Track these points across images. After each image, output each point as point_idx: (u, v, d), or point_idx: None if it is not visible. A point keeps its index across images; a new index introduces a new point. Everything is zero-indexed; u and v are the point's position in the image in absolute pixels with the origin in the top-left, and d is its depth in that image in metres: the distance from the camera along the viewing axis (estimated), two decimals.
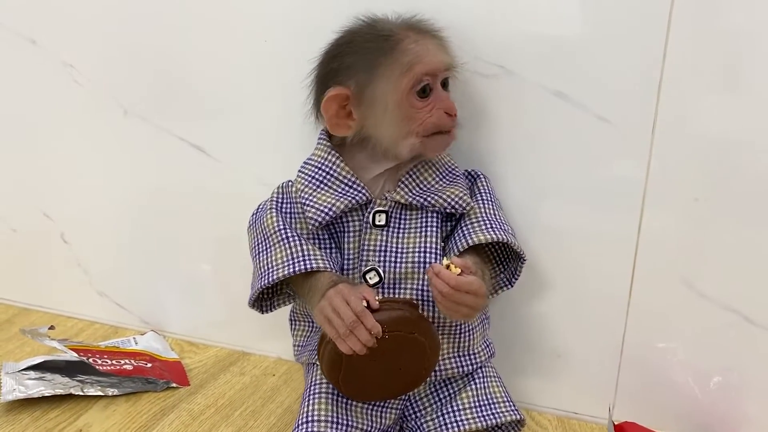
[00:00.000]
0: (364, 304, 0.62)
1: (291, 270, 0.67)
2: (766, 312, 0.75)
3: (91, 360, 0.85)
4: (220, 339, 1.01)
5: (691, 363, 0.79)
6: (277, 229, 0.71)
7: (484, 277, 0.70)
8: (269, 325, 0.92)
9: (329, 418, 0.69)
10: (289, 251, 0.69)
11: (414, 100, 0.68)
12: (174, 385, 0.88)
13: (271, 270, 0.69)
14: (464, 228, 0.72)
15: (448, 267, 0.63)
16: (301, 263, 0.68)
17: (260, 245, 0.72)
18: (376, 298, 0.63)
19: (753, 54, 0.69)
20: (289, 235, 0.70)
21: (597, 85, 0.74)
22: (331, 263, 0.69)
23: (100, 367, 0.85)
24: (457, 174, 0.75)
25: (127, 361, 0.89)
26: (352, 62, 0.68)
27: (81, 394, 0.84)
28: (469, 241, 0.71)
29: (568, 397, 0.85)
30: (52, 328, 0.85)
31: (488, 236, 0.71)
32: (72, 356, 0.85)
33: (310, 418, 0.68)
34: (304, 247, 0.69)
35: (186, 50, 0.90)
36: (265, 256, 0.70)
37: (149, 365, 0.90)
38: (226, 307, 0.99)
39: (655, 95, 0.73)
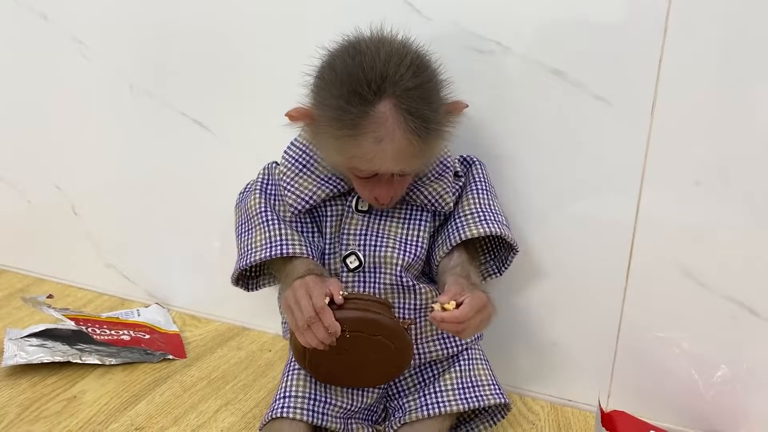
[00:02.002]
0: (327, 300, 0.60)
1: (268, 254, 0.67)
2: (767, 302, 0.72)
3: (89, 329, 0.87)
4: (221, 314, 1.02)
5: (689, 354, 0.76)
6: (259, 211, 0.71)
7: (474, 281, 0.68)
8: (270, 302, 0.92)
9: (306, 395, 0.69)
10: (268, 235, 0.69)
11: (353, 175, 0.66)
12: (170, 357, 0.90)
13: (250, 252, 0.69)
14: (458, 220, 0.71)
15: (444, 309, 0.61)
16: (278, 248, 0.67)
17: (243, 226, 0.72)
18: (344, 293, 0.61)
19: (756, 34, 0.65)
20: (269, 218, 0.70)
21: (595, 64, 0.72)
22: (310, 249, 0.69)
23: (98, 337, 0.87)
24: (447, 165, 0.72)
25: (125, 331, 0.91)
26: (320, 102, 0.63)
27: (79, 362, 0.86)
28: (463, 236, 0.70)
29: (562, 384, 0.83)
30: (50, 296, 0.87)
31: (482, 230, 0.70)
32: (69, 325, 0.87)
33: (288, 394, 0.69)
34: (283, 231, 0.69)
35: (190, 27, 0.90)
36: (246, 238, 0.71)
37: (147, 337, 0.92)
38: (230, 282, 1.00)
39: (655, 74, 0.69)
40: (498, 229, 0.70)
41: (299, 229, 0.71)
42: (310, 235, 0.71)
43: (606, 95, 0.72)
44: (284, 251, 0.67)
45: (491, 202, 0.73)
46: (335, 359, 0.63)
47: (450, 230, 0.71)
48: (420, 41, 0.65)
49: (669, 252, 0.74)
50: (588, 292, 0.79)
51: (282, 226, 0.69)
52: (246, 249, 0.70)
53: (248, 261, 0.69)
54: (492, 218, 0.71)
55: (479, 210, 0.72)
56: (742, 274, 0.72)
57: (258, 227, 0.70)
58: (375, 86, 0.58)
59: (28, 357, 0.84)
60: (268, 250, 0.68)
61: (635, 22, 0.69)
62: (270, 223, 0.70)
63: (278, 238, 0.68)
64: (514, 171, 0.78)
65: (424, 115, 0.60)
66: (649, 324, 0.77)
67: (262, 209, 0.71)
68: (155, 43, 0.93)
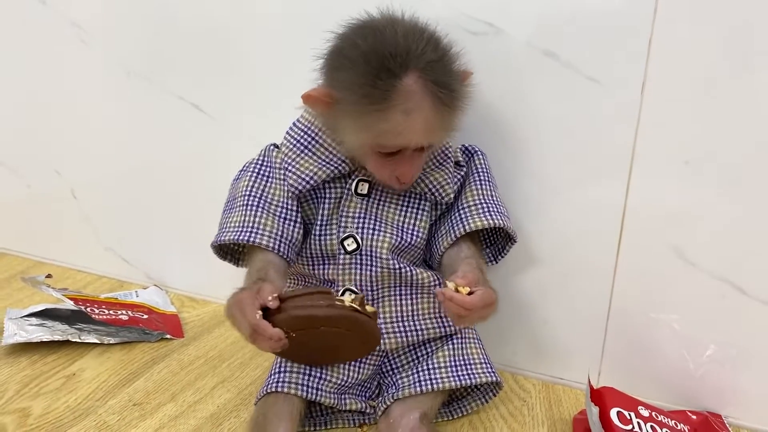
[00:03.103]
0: (259, 314, 0.59)
1: (235, 237, 0.69)
2: (758, 282, 0.73)
3: (88, 309, 0.89)
4: (219, 295, 1.03)
5: (679, 333, 0.77)
6: (244, 193, 0.72)
7: (486, 278, 0.69)
8: None
9: (301, 370, 0.70)
10: (243, 218, 0.70)
11: (375, 154, 0.65)
12: (168, 336, 0.91)
13: (224, 231, 0.71)
14: (462, 211, 0.73)
15: (456, 290, 0.62)
16: (246, 234, 0.69)
17: (228, 204, 0.74)
18: (279, 294, 0.61)
19: (746, 14, 0.66)
20: (250, 202, 0.71)
21: (587, 45, 0.73)
22: (279, 241, 0.69)
23: (97, 317, 0.88)
24: (448, 155, 0.73)
25: (123, 312, 0.92)
26: (343, 81, 0.63)
27: (78, 341, 0.87)
28: (467, 227, 0.71)
29: (553, 362, 0.85)
30: (49, 276, 0.89)
31: (486, 222, 0.71)
32: (69, 305, 0.88)
33: (282, 369, 0.70)
34: (257, 219, 0.70)
35: (189, 11, 0.91)
36: (226, 216, 0.72)
37: (145, 317, 0.93)
38: (228, 264, 1.01)
39: (645, 54, 0.70)
40: (501, 221, 0.71)
41: (283, 214, 0.71)
42: (291, 223, 0.71)
43: (597, 76, 0.73)
44: (250, 239, 0.68)
45: (493, 193, 0.74)
46: (300, 351, 0.63)
47: (454, 221, 0.73)
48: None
49: (659, 231, 0.75)
50: (579, 272, 0.80)
51: (259, 212, 0.70)
52: (222, 227, 0.72)
53: (219, 239, 0.71)
54: (495, 210, 0.72)
55: (483, 201, 0.73)
56: (731, 254, 0.73)
57: (237, 209, 0.71)
58: (400, 59, 0.59)
59: (28, 336, 0.86)
60: (238, 233, 0.69)
61: (625, 2, 0.70)
62: (249, 207, 0.70)
63: (251, 224, 0.69)
64: (504, 152, 0.79)
65: (449, 85, 0.61)
66: (639, 303, 0.78)
67: (247, 192, 0.72)
68: (154, 27, 0.94)
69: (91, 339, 0.88)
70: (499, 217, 0.72)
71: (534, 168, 0.79)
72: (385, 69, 0.59)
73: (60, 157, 1.08)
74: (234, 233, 0.69)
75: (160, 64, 0.95)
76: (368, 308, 0.63)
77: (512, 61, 0.76)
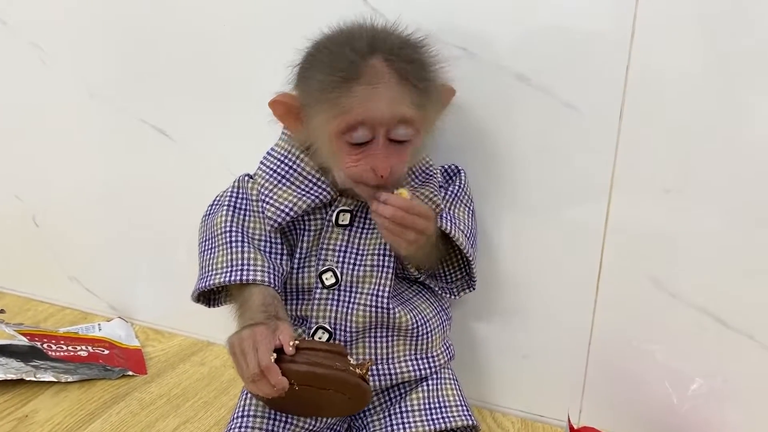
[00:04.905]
0: (274, 357, 0.56)
1: (227, 279, 0.64)
2: (739, 314, 0.70)
3: (44, 346, 0.84)
4: (186, 328, 0.99)
5: (662, 366, 0.75)
6: (224, 230, 0.67)
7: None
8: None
9: (265, 414, 0.66)
10: (230, 257, 0.66)
11: (343, 145, 0.62)
12: (130, 373, 0.87)
13: (210, 274, 0.66)
14: None
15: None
16: (238, 273, 0.64)
17: (206, 243, 0.69)
18: (295, 342, 0.58)
19: (723, 40, 0.64)
20: (233, 239, 0.67)
21: (564, 71, 0.70)
22: (272, 275, 0.65)
23: (54, 353, 0.84)
24: (431, 173, 0.71)
25: (83, 347, 0.88)
26: (309, 76, 0.63)
27: (33, 379, 0.82)
28: None
29: (533, 399, 0.82)
30: (2, 311, 0.84)
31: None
32: (23, 341, 0.84)
33: (245, 413, 0.66)
34: (246, 254, 0.66)
35: (152, 33, 0.88)
36: (208, 257, 0.68)
37: (106, 352, 0.88)
38: None
39: (623, 80, 0.68)
40: (446, 225, 0.67)
41: (267, 249, 0.68)
42: (278, 257, 0.68)
43: (575, 102, 0.71)
44: (244, 277, 0.64)
45: (456, 209, 0.72)
46: (288, 401, 0.59)
47: None
48: None
49: (639, 262, 0.73)
50: (558, 305, 0.77)
51: (245, 248, 0.66)
52: (207, 269, 0.67)
53: (207, 283, 0.66)
54: (446, 216, 0.69)
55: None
56: (711, 285, 0.71)
57: (220, 247, 0.67)
58: (366, 43, 0.60)
59: None
60: (228, 274, 0.65)
61: (603, 29, 0.68)
62: (233, 244, 0.66)
63: (239, 261, 0.65)
64: (479, 179, 0.76)
65: (416, 64, 0.61)
66: (620, 336, 0.76)
67: (227, 228, 0.68)
68: (116, 48, 0.91)
69: (48, 377, 0.83)
70: (446, 221, 0.68)
71: (511, 195, 0.76)
72: (351, 49, 0.60)
73: (20, 182, 1.04)
74: (224, 275, 0.65)
75: (123, 86, 0.92)
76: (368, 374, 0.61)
77: (487, 86, 0.74)
